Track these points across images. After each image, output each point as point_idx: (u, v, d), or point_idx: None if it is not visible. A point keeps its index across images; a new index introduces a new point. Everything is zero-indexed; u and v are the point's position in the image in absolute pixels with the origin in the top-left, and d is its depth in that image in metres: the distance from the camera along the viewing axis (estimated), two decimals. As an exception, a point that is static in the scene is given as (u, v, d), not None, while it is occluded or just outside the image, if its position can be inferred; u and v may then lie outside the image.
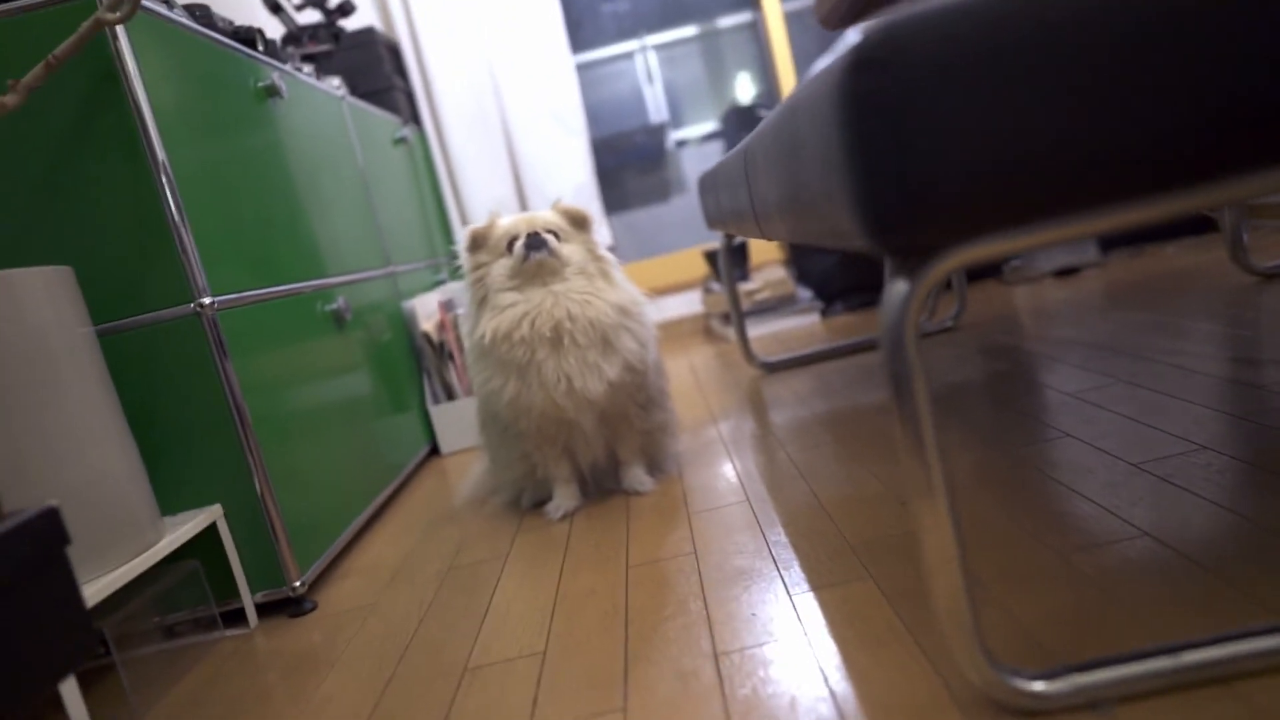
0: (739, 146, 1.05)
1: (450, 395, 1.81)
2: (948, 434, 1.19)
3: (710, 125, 3.30)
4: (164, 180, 1.01)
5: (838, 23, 1.92)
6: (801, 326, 2.34)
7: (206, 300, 1.04)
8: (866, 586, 0.81)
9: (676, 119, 3.28)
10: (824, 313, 2.40)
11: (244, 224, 1.17)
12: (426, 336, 1.77)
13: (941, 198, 0.46)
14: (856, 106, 0.45)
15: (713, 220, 1.64)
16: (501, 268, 1.18)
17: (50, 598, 0.64)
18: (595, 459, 1.23)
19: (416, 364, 1.81)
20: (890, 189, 0.46)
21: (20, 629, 0.61)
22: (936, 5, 0.45)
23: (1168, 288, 1.75)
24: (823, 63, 0.53)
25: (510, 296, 1.17)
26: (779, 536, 0.98)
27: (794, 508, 1.05)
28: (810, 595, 0.82)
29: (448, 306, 1.85)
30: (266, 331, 1.17)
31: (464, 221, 2.43)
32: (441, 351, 1.79)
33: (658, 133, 3.28)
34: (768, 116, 0.79)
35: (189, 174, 1.06)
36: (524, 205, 2.50)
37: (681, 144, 3.28)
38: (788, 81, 2.83)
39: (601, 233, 2.59)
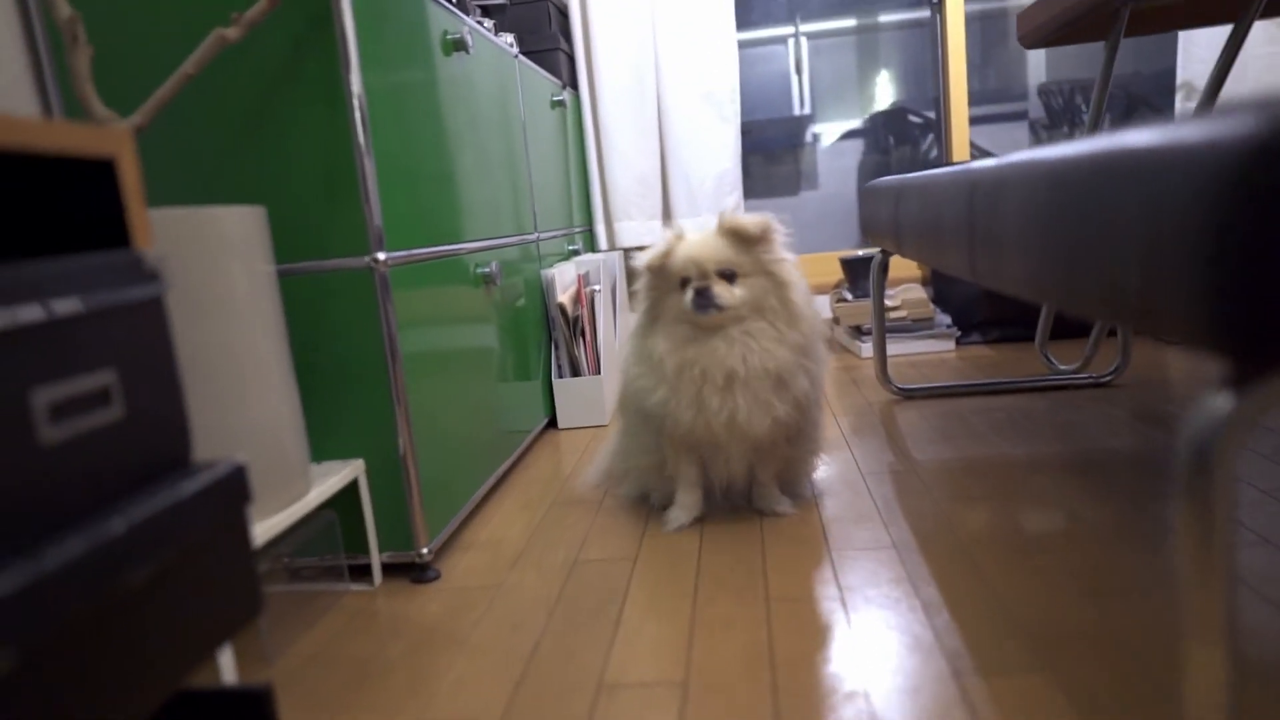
0: (962, 169, 0.97)
1: (575, 371, 1.78)
2: (1104, 508, 1.10)
3: (851, 123, 3.18)
4: (360, 130, 1.00)
5: (1037, 41, 1.79)
6: (935, 352, 2.23)
7: (381, 256, 1.02)
8: (1044, 679, 0.75)
9: (818, 112, 3.16)
10: (959, 341, 2.29)
11: (421, 180, 1.16)
12: (561, 308, 1.75)
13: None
14: (1259, 202, 0.38)
15: (877, 233, 1.55)
16: (675, 303, 1.13)
17: (229, 556, 0.63)
18: (733, 479, 1.19)
19: (547, 334, 1.79)
20: (1271, 298, 0.39)
21: (202, 587, 0.61)
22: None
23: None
24: (1179, 130, 0.46)
25: (684, 331, 1.12)
26: (933, 596, 0.92)
27: (948, 566, 0.99)
28: (980, 680, 0.76)
29: (586, 280, 1.83)
30: (427, 291, 1.15)
31: (604, 194, 2.40)
32: (574, 326, 1.76)
33: (799, 124, 3.18)
34: (1030, 154, 0.71)
35: (382, 126, 1.04)
36: (666, 186, 2.44)
37: (816, 138, 3.17)
38: (958, 86, 2.68)
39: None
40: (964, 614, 0.87)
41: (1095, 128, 1.78)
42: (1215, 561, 0.47)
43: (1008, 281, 0.78)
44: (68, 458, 0.51)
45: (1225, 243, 0.40)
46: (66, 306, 0.53)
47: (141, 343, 0.61)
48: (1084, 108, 3.11)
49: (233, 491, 0.64)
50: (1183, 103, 2.35)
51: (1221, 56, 1.52)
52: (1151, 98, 2.94)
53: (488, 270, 1.39)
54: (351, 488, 1.07)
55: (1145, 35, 1.84)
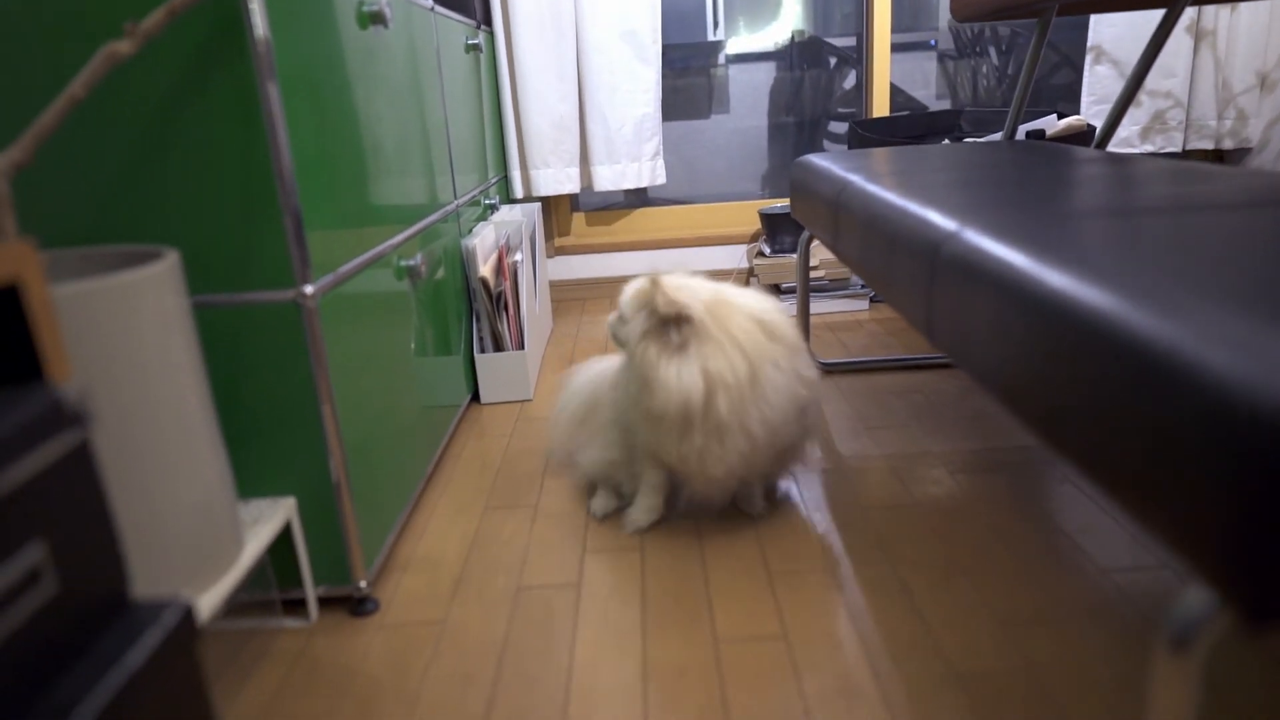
0: (920, 216, 0.96)
1: (498, 346, 1.73)
2: (1014, 519, 1.17)
3: (764, 45, 3.13)
4: (281, 143, 0.90)
5: (971, 16, 1.77)
6: (850, 313, 2.28)
7: (309, 290, 0.94)
8: (979, 738, 0.80)
9: (730, 33, 3.10)
10: (873, 299, 2.34)
11: (344, 186, 1.06)
12: (484, 282, 1.67)
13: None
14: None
15: (810, 219, 1.54)
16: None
17: (179, 697, 0.59)
18: (712, 496, 1.21)
19: (468, 306, 1.72)
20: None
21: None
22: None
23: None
24: (1196, 343, 0.46)
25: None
26: (872, 633, 0.96)
27: (882, 597, 1.03)
28: (924, 740, 0.81)
29: (507, 248, 1.75)
30: (355, 306, 1.08)
31: (520, 140, 2.28)
32: (497, 302, 1.70)
33: (713, 49, 3.10)
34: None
35: (302, 138, 0.94)
36: (584, 132, 2.34)
37: (728, 60, 3.12)
38: (882, 25, 2.64)
39: (657, 168, 2.45)
40: (903, 659, 0.92)
41: (1022, 102, 1.80)
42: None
43: (973, 368, 0.78)
44: None
45: (1250, 500, 0.41)
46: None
47: (70, 500, 0.54)
48: (991, 43, 3.13)
49: (182, 636, 0.59)
50: (1092, 65, 2.40)
51: (1152, 39, 1.54)
52: (1059, 45, 2.98)
53: (413, 263, 1.30)
54: (284, 527, 1.01)
55: (1076, 15, 1.84)
